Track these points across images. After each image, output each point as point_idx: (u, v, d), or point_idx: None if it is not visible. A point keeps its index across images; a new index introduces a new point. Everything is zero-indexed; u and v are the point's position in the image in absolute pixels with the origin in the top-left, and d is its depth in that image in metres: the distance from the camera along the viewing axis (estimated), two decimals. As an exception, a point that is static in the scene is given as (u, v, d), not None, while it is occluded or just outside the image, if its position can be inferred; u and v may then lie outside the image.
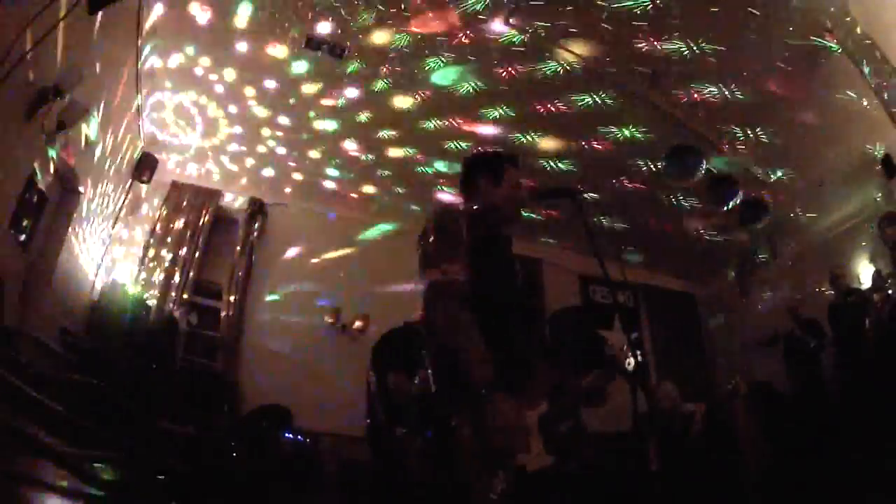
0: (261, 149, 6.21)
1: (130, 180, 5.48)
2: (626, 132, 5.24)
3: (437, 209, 1.87)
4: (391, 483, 2.91)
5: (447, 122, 5.39)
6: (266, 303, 6.30)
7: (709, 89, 4.62)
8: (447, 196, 6.44)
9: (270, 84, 5.17)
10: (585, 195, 6.06)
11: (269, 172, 6.64)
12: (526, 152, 5.50)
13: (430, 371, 1.60)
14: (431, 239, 1.69)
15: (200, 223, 6.26)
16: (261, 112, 5.60)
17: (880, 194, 5.38)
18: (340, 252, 6.78)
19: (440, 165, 6.07)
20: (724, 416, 4.98)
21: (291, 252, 6.65)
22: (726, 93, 4.62)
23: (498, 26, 4.26)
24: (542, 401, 1.54)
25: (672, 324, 7.73)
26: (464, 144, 5.64)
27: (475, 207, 1.83)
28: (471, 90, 4.93)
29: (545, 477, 1.47)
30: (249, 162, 6.50)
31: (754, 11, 3.88)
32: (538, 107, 5.05)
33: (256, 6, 4.33)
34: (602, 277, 1.77)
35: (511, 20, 4.18)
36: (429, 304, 1.56)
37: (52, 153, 3.56)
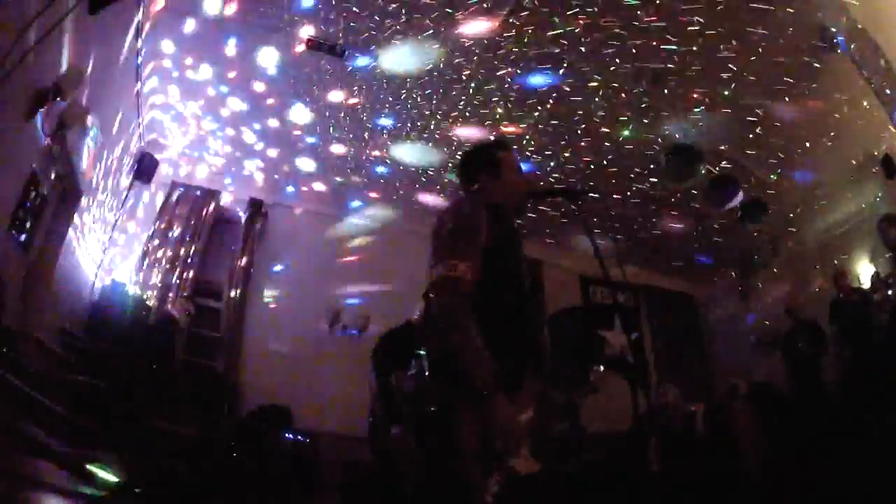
0: (260, 149, 6.21)
1: (130, 180, 5.48)
2: (627, 132, 5.24)
3: (460, 199, 1.80)
4: (389, 483, 2.90)
5: (446, 121, 5.39)
6: (266, 303, 6.30)
7: (709, 90, 4.62)
8: (449, 195, 6.44)
9: (271, 84, 5.16)
10: (585, 195, 6.06)
11: (268, 173, 6.64)
12: (525, 152, 5.51)
13: (425, 368, 1.57)
14: (448, 231, 1.62)
15: (200, 223, 6.26)
16: (261, 112, 5.60)
17: (880, 194, 5.38)
18: (340, 252, 6.78)
19: (439, 164, 6.06)
20: (724, 416, 4.97)
21: (291, 252, 6.65)
22: (726, 92, 4.61)
23: (499, 25, 4.26)
24: (529, 407, 1.53)
25: (672, 324, 7.73)
26: (465, 144, 5.64)
27: (487, 202, 1.79)
28: (471, 88, 4.92)
29: (540, 479, 1.46)
30: (250, 162, 6.50)
31: (757, 13, 3.88)
32: (539, 106, 5.05)
33: (257, 7, 4.33)
34: (602, 277, 1.76)
35: (511, 20, 4.18)
36: (433, 299, 1.53)
37: (52, 153, 3.57)
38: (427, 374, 1.54)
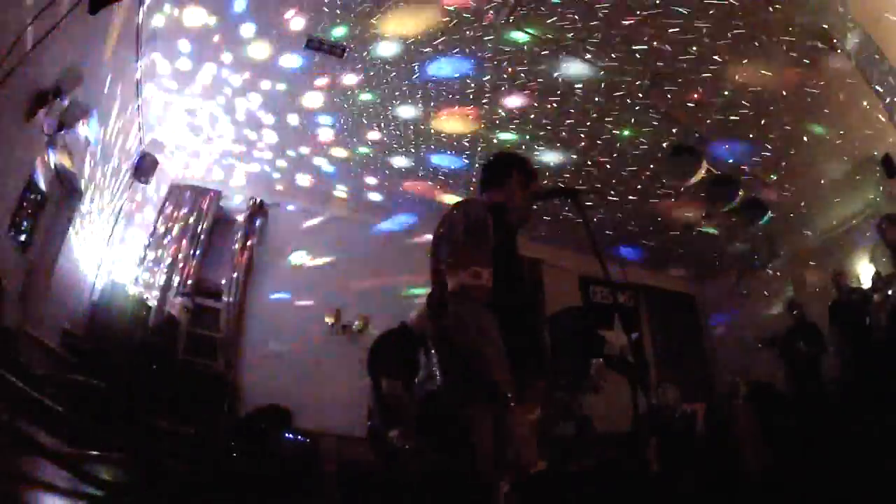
0: (261, 149, 6.21)
1: (130, 180, 5.48)
2: (627, 132, 5.24)
3: (465, 202, 1.79)
4: (391, 483, 2.92)
5: (447, 122, 5.39)
6: (266, 303, 6.30)
7: (709, 90, 4.62)
8: (449, 196, 6.45)
9: (271, 84, 5.16)
10: (585, 195, 6.07)
11: (268, 173, 6.64)
12: (526, 152, 5.51)
13: (439, 374, 1.58)
14: (461, 235, 1.61)
15: (200, 223, 6.26)
16: (261, 112, 5.59)
17: (880, 194, 5.38)
18: (340, 252, 6.78)
19: (440, 165, 6.07)
20: (724, 416, 4.97)
21: (291, 252, 6.65)
22: (727, 94, 4.61)
23: (499, 26, 4.26)
24: (535, 408, 1.53)
25: (672, 324, 7.73)
26: (464, 144, 5.65)
27: (498, 201, 1.79)
28: (471, 89, 4.92)
29: (547, 478, 1.47)
30: (249, 162, 6.50)
31: (756, 14, 3.88)
32: (538, 108, 5.05)
33: (257, 7, 4.33)
34: (602, 277, 1.76)
35: (512, 20, 4.18)
36: (456, 308, 1.51)
37: (52, 153, 3.57)
38: (440, 379, 1.54)
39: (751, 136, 5.07)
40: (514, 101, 5.05)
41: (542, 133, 5.36)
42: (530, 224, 2.01)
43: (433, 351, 1.61)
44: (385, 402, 3.09)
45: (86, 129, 3.84)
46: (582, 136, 5.35)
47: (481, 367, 1.42)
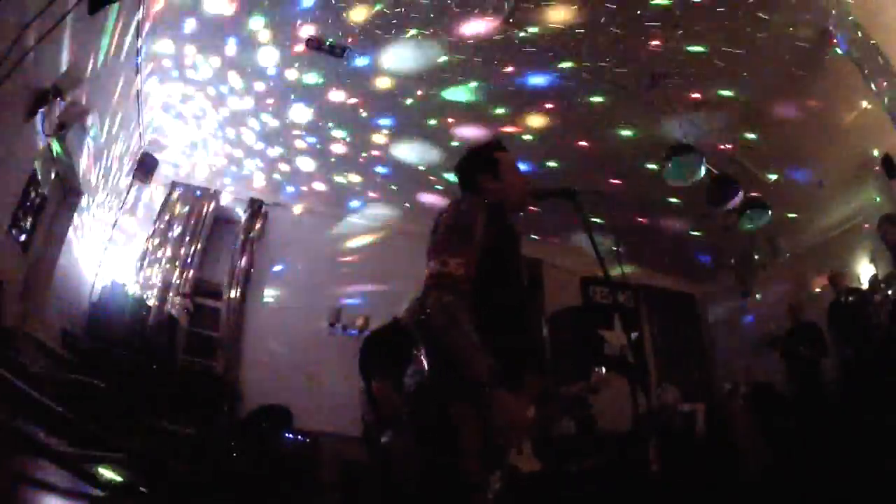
0: (261, 149, 6.21)
1: (130, 180, 5.48)
2: (626, 132, 5.24)
3: (456, 200, 1.80)
4: (386, 483, 2.91)
5: (446, 121, 5.39)
6: (266, 303, 6.30)
7: (709, 90, 4.62)
8: (450, 196, 6.44)
9: (271, 84, 5.17)
10: (584, 195, 6.06)
11: (268, 173, 6.64)
12: (525, 152, 5.51)
13: (425, 365, 1.57)
14: (443, 229, 1.64)
15: (200, 223, 6.26)
16: (261, 112, 5.59)
17: (880, 194, 5.38)
18: (340, 252, 6.78)
19: (439, 164, 6.06)
20: (724, 416, 4.97)
21: (291, 252, 6.65)
22: (726, 93, 4.61)
23: (499, 25, 4.26)
24: (530, 405, 1.53)
25: (672, 324, 7.73)
26: (462, 143, 5.64)
27: (487, 202, 1.80)
28: (470, 88, 4.92)
29: (542, 478, 1.46)
30: (250, 162, 6.50)
31: (756, 13, 3.88)
32: (537, 106, 5.05)
33: (257, 6, 4.33)
34: (602, 277, 1.77)
35: (512, 19, 4.18)
36: (425, 296, 1.53)
37: (53, 153, 3.57)
38: (427, 372, 1.54)
39: (751, 135, 5.08)
40: (514, 101, 5.05)
41: (542, 133, 5.36)
42: (526, 212, 2.01)
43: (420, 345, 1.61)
44: (377, 401, 3.06)
45: (86, 129, 3.84)
46: (582, 136, 5.35)
47: (453, 354, 1.42)
